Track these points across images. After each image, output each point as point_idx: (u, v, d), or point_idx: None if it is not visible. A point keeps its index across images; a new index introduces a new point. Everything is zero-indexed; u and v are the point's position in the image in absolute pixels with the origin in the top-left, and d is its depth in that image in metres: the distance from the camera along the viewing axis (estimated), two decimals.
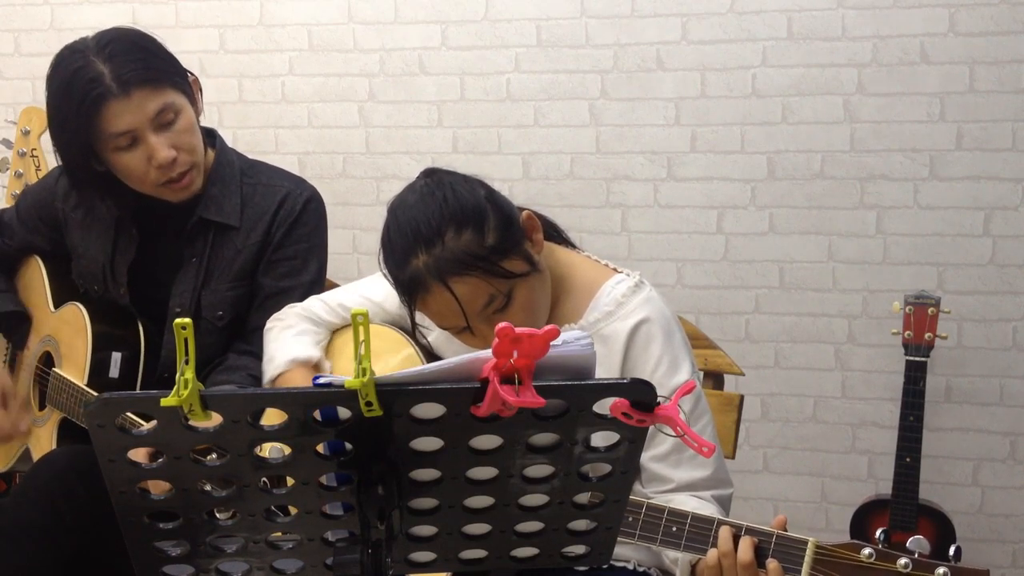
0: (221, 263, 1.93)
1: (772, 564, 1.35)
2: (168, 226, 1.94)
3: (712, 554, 1.38)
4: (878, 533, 1.36)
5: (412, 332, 1.68)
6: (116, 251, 1.96)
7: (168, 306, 1.94)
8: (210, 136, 1.98)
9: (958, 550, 1.32)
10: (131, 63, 1.75)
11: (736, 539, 1.38)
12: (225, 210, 1.92)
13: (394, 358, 1.68)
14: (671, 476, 1.55)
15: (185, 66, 1.89)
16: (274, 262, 1.94)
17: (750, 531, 1.38)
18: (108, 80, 1.74)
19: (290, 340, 1.77)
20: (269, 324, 1.83)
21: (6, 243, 2.12)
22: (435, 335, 1.69)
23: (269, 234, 1.93)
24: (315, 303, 1.82)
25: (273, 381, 1.75)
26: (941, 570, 1.28)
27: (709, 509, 1.50)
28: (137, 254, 1.96)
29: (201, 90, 1.92)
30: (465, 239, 1.45)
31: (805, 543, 1.35)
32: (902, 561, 1.30)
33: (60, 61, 1.79)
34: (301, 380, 1.72)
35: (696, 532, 1.41)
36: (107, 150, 1.80)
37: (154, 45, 1.83)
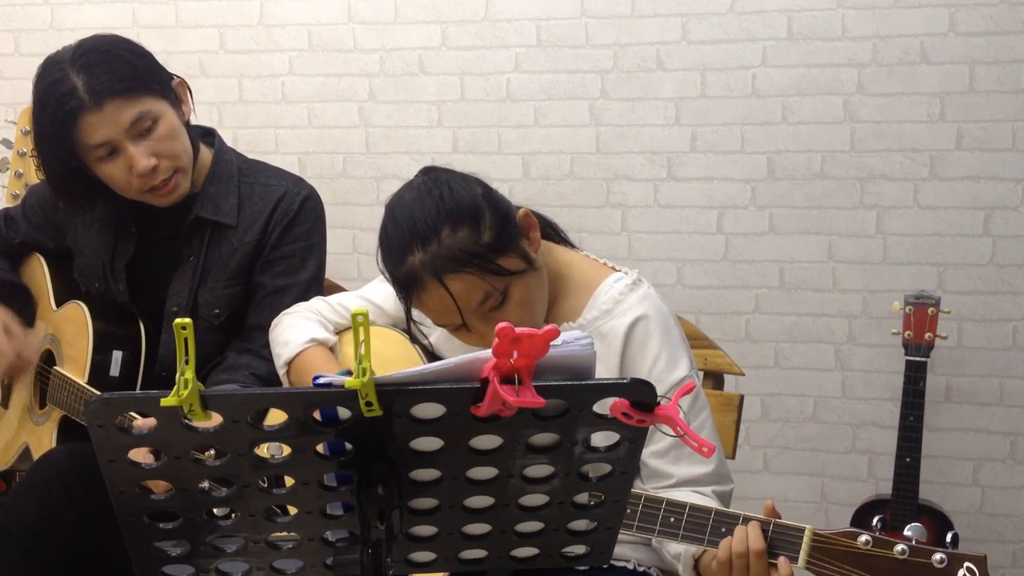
0: (218, 261, 1.93)
1: (783, 561, 1.35)
2: (166, 225, 1.94)
3: (724, 552, 1.38)
4: (875, 520, 1.36)
5: (409, 330, 1.68)
6: (116, 249, 1.97)
7: (165, 305, 1.94)
8: (208, 135, 1.98)
9: (955, 537, 1.32)
10: (104, 74, 1.75)
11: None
12: (222, 209, 1.92)
13: (396, 360, 1.68)
14: (671, 472, 1.55)
15: (177, 68, 1.88)
16: (272, 261, 1.94)
17: (747, 520, 1.39)
18: (81, 93, 1.74)
19: (304, 325, 1.77)
20: (277, 320, 1.83)
21: (11, 237, 2.13)
22: (435, 335, 1.69)
23: (266, 233, 1.93)
24: (319, 303, 1.82)
25: (290, 362, 1.74)
26: (938, 556, 1.28)
27: (710, 504, 1.50)
28: (135, 253, 1.96)
29: (190, 91, 1.91)
30: (461, 236, 1.45)
31: (802, 530, 1.36)
32: (899, 548, 1.30)
33: (40, 74, 1.80)
34: (321, 359, 1.72)
35: (694, 522, 1.41)
36: (90, 160, 1.81)
37: (130, 52, 1.81)
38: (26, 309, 2.11)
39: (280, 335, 1.79)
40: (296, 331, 1.77)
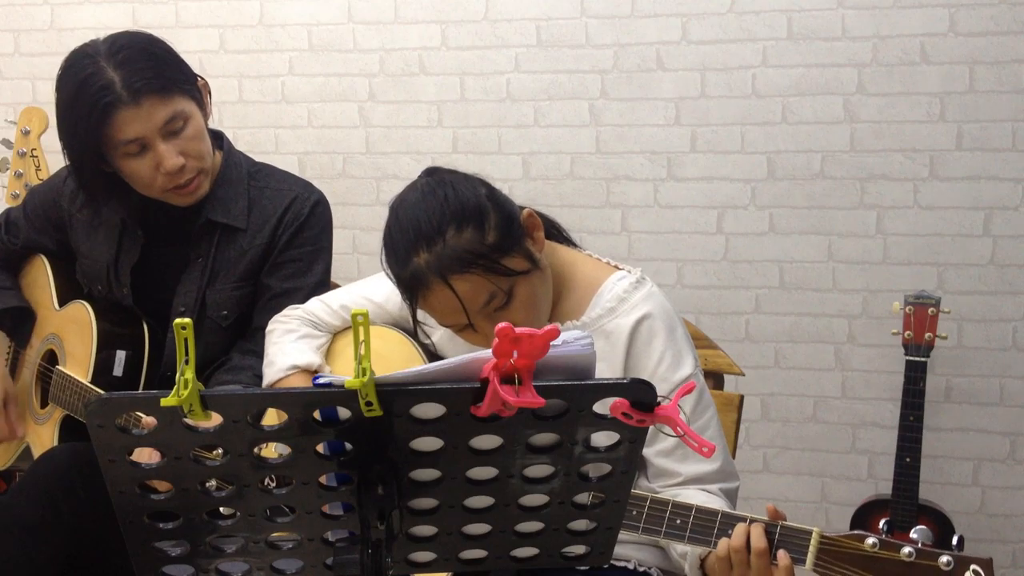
0: (226, 263, 1.94)
1: (782, 554, 1.36)
2: (174, 228, 1.95)
3: (723, 547, 1.38)
4: (882, 523, 1.36)
5: (414, 331, 1.68)
6: (120, 252, 1.97)
7: (172, 305, 1.94)
8: (217, 138, 1.99)
9: (960, 540, 1.33)
10: (142, 71, 1.75)
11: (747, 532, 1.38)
12: (232, 212, 1.93)
13: (396, 359, 1.68)
14: (678, 470, 1.55)
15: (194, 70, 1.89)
16: (280, 263, 1.94)
17: (754, 523, 1.39)
18: (119, 88, 1.74)
19: (290, 345, 1.77)
20: (271, 326, 1.83)
21: (12, 241, 2.13)
22: (439, 335, 1.69)
23: (275, 236, 1.94)
24: (316, 305, 1.82)
25: (271, 386, 1.75)
26: (944, 558, 1.28)
27: (717, 503, 1.50)
28: (142, 255, 1.97)
29: (210, 93, 1.93)
30: (466, 237, 1.45)
31: (810, 533, 1.36)
32: (906, 550, 1.30)
33: (71, 64, 1.79)
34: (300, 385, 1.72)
35: (700, 524, 1.41)
36: (116, 156, 1.81)
37: (164, 51, 1.83)
38: (23, 329, 2.11)
39: (268, 348, 1.80)
40: (280, 352, 1.77)
